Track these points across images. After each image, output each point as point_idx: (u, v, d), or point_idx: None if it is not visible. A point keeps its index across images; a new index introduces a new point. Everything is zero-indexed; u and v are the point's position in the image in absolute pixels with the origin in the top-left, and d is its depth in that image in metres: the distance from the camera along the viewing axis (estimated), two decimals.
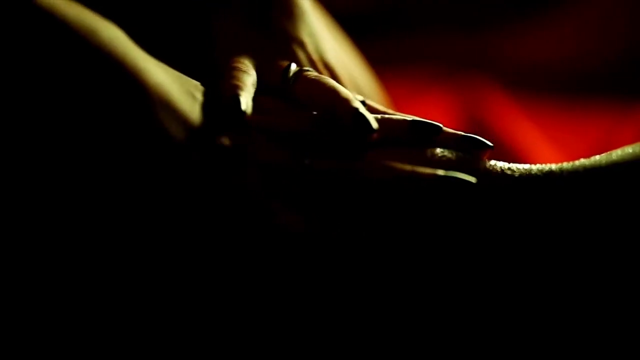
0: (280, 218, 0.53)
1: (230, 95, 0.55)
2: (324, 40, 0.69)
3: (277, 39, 0.66)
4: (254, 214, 0.53)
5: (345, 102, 0.56)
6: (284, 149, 0.55)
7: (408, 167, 0.54)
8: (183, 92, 0.53)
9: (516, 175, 0.54)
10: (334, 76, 0.67)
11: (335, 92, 0.58)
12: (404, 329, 0.53)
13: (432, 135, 0.57)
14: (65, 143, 0.50)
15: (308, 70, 0.61)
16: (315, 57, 0.66)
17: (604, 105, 1.23)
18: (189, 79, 0.56)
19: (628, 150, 0.53)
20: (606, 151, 0.55)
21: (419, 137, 0.57)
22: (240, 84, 0.57)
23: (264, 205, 0.53)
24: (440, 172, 0.54)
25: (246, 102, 0.55)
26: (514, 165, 0.54)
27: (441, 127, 0.58)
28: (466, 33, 1.35)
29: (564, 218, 0.52)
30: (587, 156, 0.55)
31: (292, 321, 0.53)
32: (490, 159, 0.56)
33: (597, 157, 0.55)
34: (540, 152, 1.09)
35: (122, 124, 0.50)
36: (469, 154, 0.56)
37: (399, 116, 0.59)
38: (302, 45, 0.66)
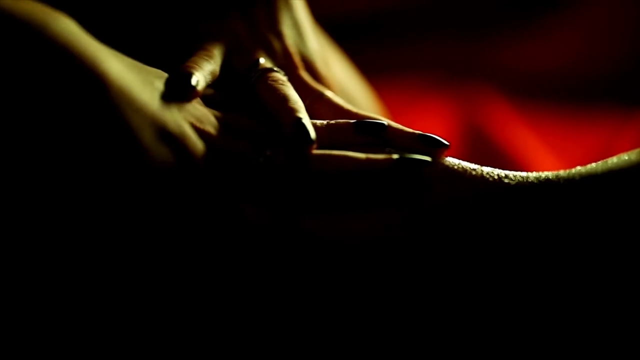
0: (244, 210, 0.53)
1: (183, 72, 0.57)
2: (307, 34, 0.69)
3: (256, 28, 0.66)
4: (216, 205, 0.53)
5: (291, 111, 0.58)
6: (244, 140, 0.56)
7: (362, 156, 0.55)
8: (142, 82, 0.53)
9: (513, 183, 0.54)
10: (312, 70, 0.67)
11: (284, 101, 0.59)
12: (372, 324, 0.53)
13: (378, 132, 0.58)
14: (24, 140, 0.49)
15: (274, 71, 0.62)
16: (292, 49, 0.67)
17: (603, 113, 1.23)
18: (149, 67, 0.56)
19: (624, 157, 0.54)
20: (605, 158, 0.55)
21: (367, 136, 0.58)
22: (195, 65, 0.59)
23: (226, 197, 0.53)
24: (395, 155, 0.55)
25: (197, 80, 0.57)
26: (511, 173, 0.54)
27: (386, 125, 0.58)
28: (465, 40, 1.35)
29: (560, 225, 0.52)
30: (586, 163, 0.56)
31: (260, 314, 0.53)
32: (488, 167, 0.56)
33: (594, 164, 0.55)
34: (539, 160, 1.09)
35: (81, 117, 0.50)
36: (427, 152, 0.57)
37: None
38: (279, 36, 0.67)
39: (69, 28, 0.51)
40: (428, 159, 0.55)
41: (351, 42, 1.30)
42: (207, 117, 0.55)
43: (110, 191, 0.50)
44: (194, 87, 0.56)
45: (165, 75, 0.56)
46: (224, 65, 0.64)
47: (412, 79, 1.27)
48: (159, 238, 0.52)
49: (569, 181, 0.53)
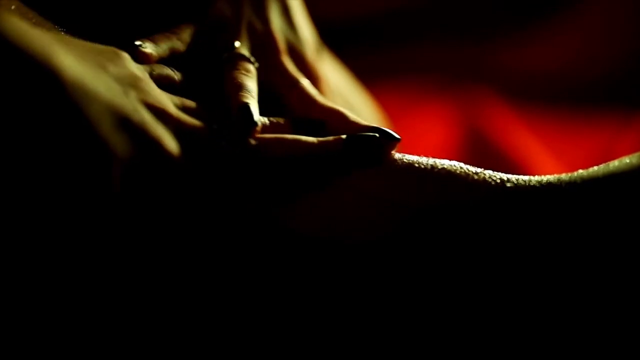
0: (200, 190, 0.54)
1: (136, 43, 0.59)
2: (297, 23, 0.70)
3: (241, 9, 0.67)
4: (183, 192, 0.53)
5: (240, 97, 0.59)
6: (204, 124, 0.56)
7: (313, 139, 0.57)
8: (95, 70, 0.52)
9: (515, 187, 0.54)
10: (299, 58, 0.68)
11: (238, 87, 0.60)
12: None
13: (316, 130, 0.59)
14: None
15: (245, 60, 0.63)
16: (277, 35, 0.67)
17: (604, 116, 1.23)
18: (101, 47, 0.55)
19: (625, 160, 0.53)
20: (606, 161, 0.55)
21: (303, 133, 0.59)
22: (148, 40, 0.61)
23: (193, 183, 0.53)
24: (344, 135, 0.56)
25: (152, 47, 0.60)
26: (513, 177, 0.54)
27: (324, 123, 0.60)
28: (465, 43, 1.35)
29: (562, 228, 0.52)
30: (587, 167, 0.55)
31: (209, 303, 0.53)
32: (490, 170, 0.56)
33: (595, 168, 0.55)
34: (540, 163, 1.09)
35: (38, 115, 0.49)
36: (378, 146, 0.57)
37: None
38: (264, 20, 0.67)
39: (16, 25, 0.50)
40: (376, 134, 0.56)
41: (351, 46, 1.30)
42: (165, 102, 0.55)
43: (74, 185, 0.50)
44: (137, 47, 0.58)
45: (120, 53, 0.56)
46: (203, 45, 0.64)
47: (412, 82, 1.27)
48: (128, 229, 0.51)
49: (571, 184, 0.53)
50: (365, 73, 1.17)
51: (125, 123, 0.51)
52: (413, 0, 1.37)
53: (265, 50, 0.66)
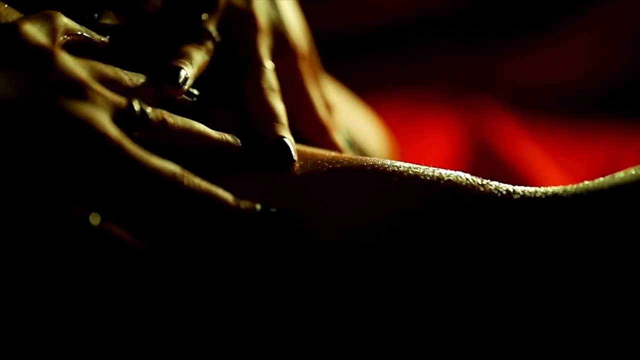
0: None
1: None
2: (283, 6, 0.69)
3: None
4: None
5: (177, 62, 0.58)
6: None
7: (216, 134, 0.56)
8: None
9: (521, 198, 0.54)
10: (281, 40, 0.67)
11: (181, 55, 0.59)
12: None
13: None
14: None
15: (205, 35, 0.62)
16: (260, 15, 0.65)
17: (609, 127, 1.23)
18: None
19: (631, 172, 0.53)
20: (611, 173, 0.55)
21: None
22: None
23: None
24: (258, 205, 0.53)
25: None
26: (519, 188, 0.54)
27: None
28: (471, 55, 1.35)
29: (568, 240, 0.52)
30: (592, 178, 0.55)
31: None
32: (495, 181, 0.56)
33: (601, 179, 0.55)
34: (545, 174, 1.09)
35: None
36: (280, 164, 0.57)
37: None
38: (249, 0, 0.66)
39: None
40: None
41: (356, 57, 1.30)
42: (82, 76, 0.51)
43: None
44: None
45: (11, 25, 0.52)
46: (177, 13, 0.63)
47: (418, 93, 1.27)
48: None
49: (577, 196, 0.53)
50: (371, 84, 1.17)
51: (41, 123, 0.49)
52: (418, 12, 1.37)
53: (243, 27, 0.65)
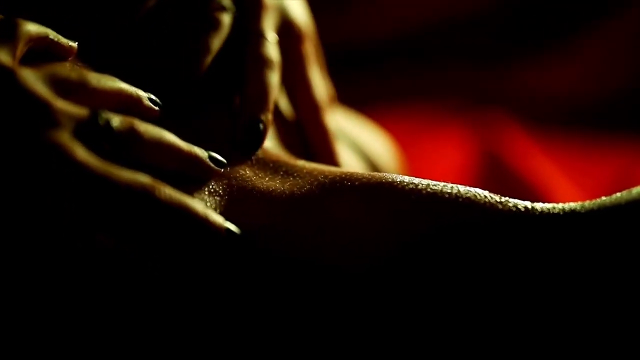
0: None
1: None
2: (293, 2, 0.69)
3: None
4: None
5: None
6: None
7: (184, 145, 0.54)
8: None
9: (538, 214, 0.53)
10: (287, 23, 0.67)
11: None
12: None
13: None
14: None
15: (220, 9, 0.62)
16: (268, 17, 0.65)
17: (622, 140, 1.23)
18: None
19: None
20: (625, 186, 0.55)
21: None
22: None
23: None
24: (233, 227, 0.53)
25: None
26: (537, 205, 0.54)
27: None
28: (482, 68, 1.35)
29: (588, 257, 0.51)
30: (605, 192, 0.55)
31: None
32: (509, 196, 0.56)
33: (618, 194, 0.54)
34: (557, 187, 1.09)
35: None
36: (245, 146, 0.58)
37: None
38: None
39: None
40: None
41: (367, 69, 1.30)
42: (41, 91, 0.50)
43: None
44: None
45: None
46: None
47: (428, 106, 1.27)
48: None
49: (595, 212, 0.52)
50: (381, 96, 1.17)
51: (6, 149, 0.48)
52: (429, 25, 1.37)
53: (249, 3, 0.65)
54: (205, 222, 0.51)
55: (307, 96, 0.68)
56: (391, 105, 1.18)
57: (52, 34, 0.55)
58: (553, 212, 0.53)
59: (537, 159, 1.15)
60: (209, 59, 0.62)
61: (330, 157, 0.68)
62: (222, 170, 0.56)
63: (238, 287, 0.52)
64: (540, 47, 1.36)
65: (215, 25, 0.63)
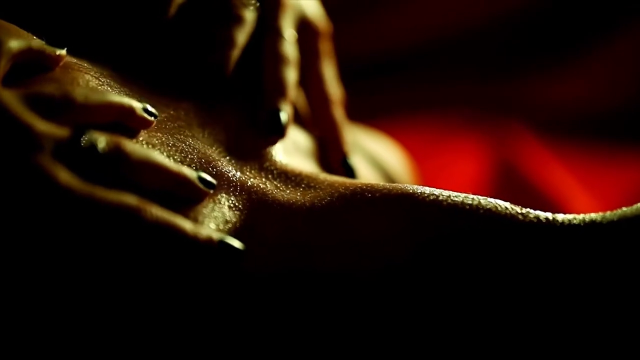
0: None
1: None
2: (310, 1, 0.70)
3: None
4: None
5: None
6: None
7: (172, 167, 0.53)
8: None
9: (559, 226, 0.53)
10: (306, 23, 0.68)
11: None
12: None
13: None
14: None
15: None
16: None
17: (634, 150, 1.23)
18: None
19: None
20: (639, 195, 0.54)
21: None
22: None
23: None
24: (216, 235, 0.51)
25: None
26: (558, 216, 0.53)
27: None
28: (496, 78, 1.35)
29: (609, 268, 0.51)
30: (622, 202, 0.55)
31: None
32: (529, 208, 0.55)
33: (638, 204, 0.54)
34: (572, 198, 1.08)
35: None
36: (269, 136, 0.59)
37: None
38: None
39: None
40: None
41: (380, 81, 1.30)
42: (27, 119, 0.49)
43: None
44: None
45: None
46: None
47: (442, 117, 1.27)
48: None
49: (616, 223, 0.52)
50: (393, 108, 1.17)
51: None
52: (442, 35, 1.37)
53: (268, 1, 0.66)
54: (194, 239, 0.50)
55: (319, 90, 0.69)
56: (404, 117, 1.18)
57: (35, 45, 0.53)
58: (574, 224, 0.52)
59: (552, 170, 1.15)
60: (237, 52, 0.63)
61: (339, 150, 0.68)
62: (211, 191, 0.54)
63: (239, 299, 0.52)
64: (552, 58, 1.36)
65: (241, 21, 0.64)
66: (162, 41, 0.63)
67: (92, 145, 0.49)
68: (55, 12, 0.60)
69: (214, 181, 0.55)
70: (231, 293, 0.52)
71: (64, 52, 0.54)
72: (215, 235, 0.51)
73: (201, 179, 0.54)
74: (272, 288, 0.52)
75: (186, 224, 0.50)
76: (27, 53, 0.53)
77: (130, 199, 0.49)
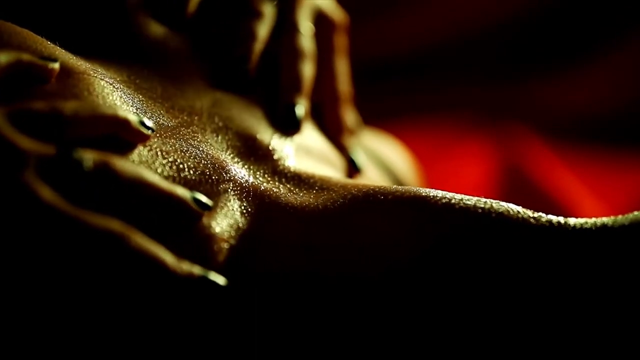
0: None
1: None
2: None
3: None
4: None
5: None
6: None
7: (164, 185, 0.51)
8: None
9: (571, 229, 0.53)
10: (322, 18, 0.69)
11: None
12: None
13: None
14: None
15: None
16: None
17: None
18: None
19: None
20: None
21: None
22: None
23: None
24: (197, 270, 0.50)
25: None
26: (570, 220, 0.53)
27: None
28: (503, 82, 1.35)
29: (621, 272, 0.51)
30: (629, 206, 0.55)
31: None
32: (537, 211, 0.55)
33: None
34: (580, 201, 1.08)
35: None
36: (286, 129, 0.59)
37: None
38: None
39: None
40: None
41: (388, 84, 1.30)
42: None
43: None
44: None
45: None
46: None
47: (449, 120, 1.27)
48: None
49: (628, 227, 0.52)
50: (402, 110, 1.17)
51: None
52: (449, 40, 1.37)
53: None
54: (174, 274, 0.48)
55: (330, 85, 0.70)
56: (412, 120, 1.18)
57: (26, 58, 0.52)
58: (586, 227, 0.52)
59: (559, 173, 1.15)
60: (260, 46, 0.63)
61: (340, 149, 0.69)
62: (206, 212, 0.52)
63: (249, 300, 0.52)
64: (559, 63, 1.36)
65: (261, 15, 0.64)
66: (181, 39, 0.63)
67: (78, 163, 0.48)
68: (70, 16, 0.60)
69: (209, 202, 0.52)
70: (240, 295, 0.52)
71: (56, 65, 0.52)
72: (197, 271, 0.49)
73: (196, 200, 0.52)
74: (283, 290, 0.52)
75: (167, 257, 0.48)
76: (17, 66, 0.51)
77: (114, 225, 0.47)
